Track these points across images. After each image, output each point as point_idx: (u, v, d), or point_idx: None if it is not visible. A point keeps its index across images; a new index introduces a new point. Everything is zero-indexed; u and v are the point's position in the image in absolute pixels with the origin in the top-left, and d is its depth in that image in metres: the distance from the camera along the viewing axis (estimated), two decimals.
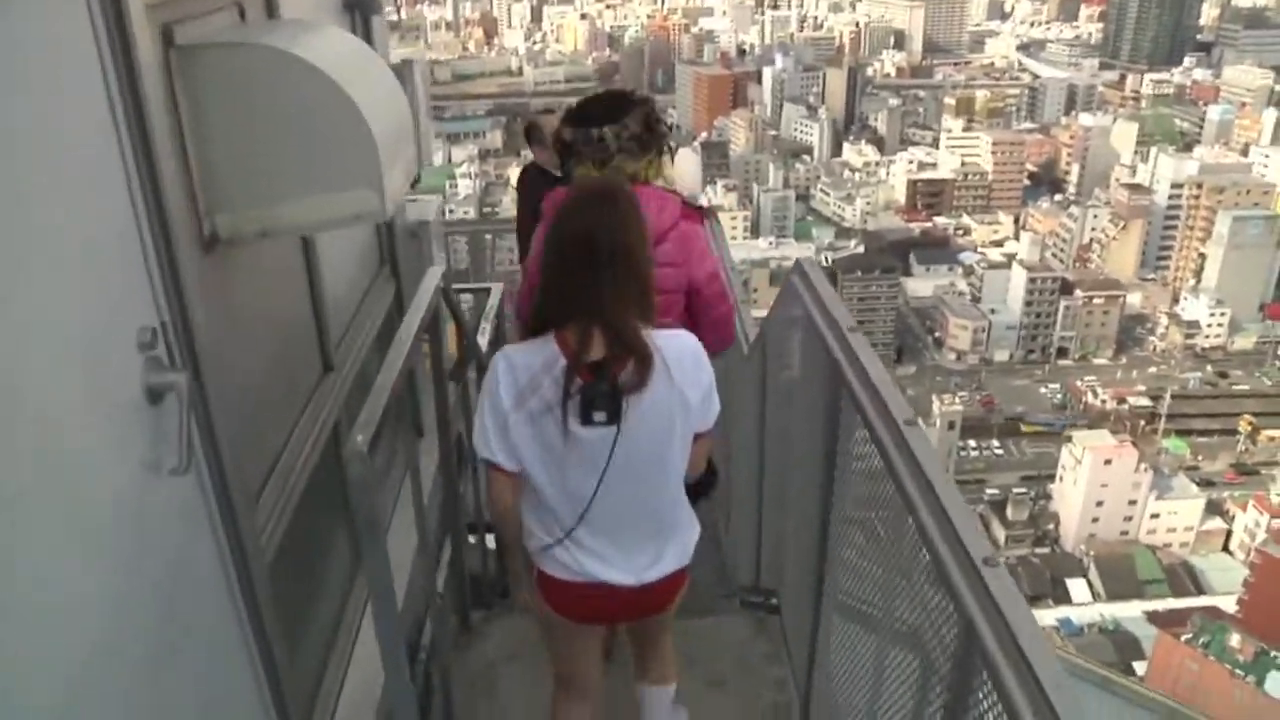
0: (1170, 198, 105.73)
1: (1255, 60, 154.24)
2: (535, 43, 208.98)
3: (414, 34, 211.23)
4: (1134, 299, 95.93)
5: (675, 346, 2.45)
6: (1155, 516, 67.60)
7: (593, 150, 3.16)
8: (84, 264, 1.78)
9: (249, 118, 2.51)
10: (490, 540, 4.99)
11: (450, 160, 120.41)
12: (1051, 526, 70.27)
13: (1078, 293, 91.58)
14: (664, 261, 3.01)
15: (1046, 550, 68.65)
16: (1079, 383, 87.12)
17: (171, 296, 2.04)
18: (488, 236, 8.77)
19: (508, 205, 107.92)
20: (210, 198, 2.53)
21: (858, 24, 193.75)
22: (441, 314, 3.77)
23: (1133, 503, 67.32)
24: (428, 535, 3.83)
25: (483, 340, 4.65)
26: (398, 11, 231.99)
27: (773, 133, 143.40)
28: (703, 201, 4.99)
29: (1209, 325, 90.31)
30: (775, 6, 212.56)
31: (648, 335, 2.39)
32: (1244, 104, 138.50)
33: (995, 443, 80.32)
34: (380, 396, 2.63)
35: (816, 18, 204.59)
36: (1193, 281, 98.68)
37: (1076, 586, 62.84)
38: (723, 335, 3.33)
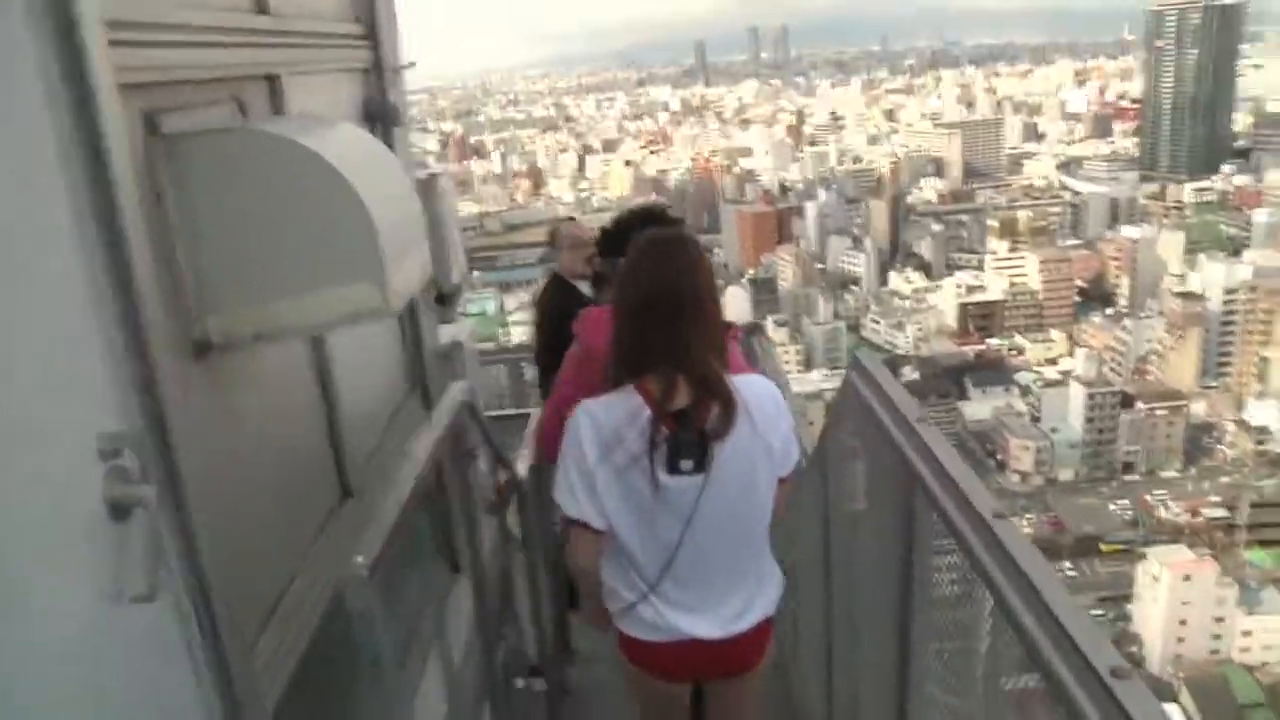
0: (1225, 303, 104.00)
1: None
2: (582, 190, 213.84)
3: (461, 188, 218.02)
4: (1198, 408, 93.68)
5: (755, 391, 2.44)
6: (1247, 634, 64.11)
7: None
8: (43, 367, 1.64)
9: (242, 210, 2.32)
10: (538, 684, 4.62)
11: (503, 309, 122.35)
12: (1135, 649, 67.04)
13: (1139, 405, 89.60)
14: None
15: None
16: (1149, 497, 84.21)
17: (145, 403, 1.86)
18: (524, 365, 8.45)
19: None
20: (201, 298, 2.32)
21: (896, 155, 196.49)
22: (468, 437, 3.51)
23: (1220, 619, 64.09)
24: (459, 687, 3.46)
25: (521, 467, 4.36)
26: (446, 167, 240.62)
27: (820, 266, 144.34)
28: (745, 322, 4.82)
29: (1279, 429, 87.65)
30: (813, 143, 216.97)
31: (728, 380, 2.39)
32: None
33: (1068, 564, 77.36)
34: (388, 515, 2.37)
35: (854, 152, 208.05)
36: (1257, 386, 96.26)
37: (1172, 713, 59.35)
38: None
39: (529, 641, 4.56)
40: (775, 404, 2.50)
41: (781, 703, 4.57)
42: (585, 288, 5.41)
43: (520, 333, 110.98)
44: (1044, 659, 1.58)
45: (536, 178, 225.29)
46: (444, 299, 4.52)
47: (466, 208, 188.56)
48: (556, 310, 5.44)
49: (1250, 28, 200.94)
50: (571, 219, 6.10)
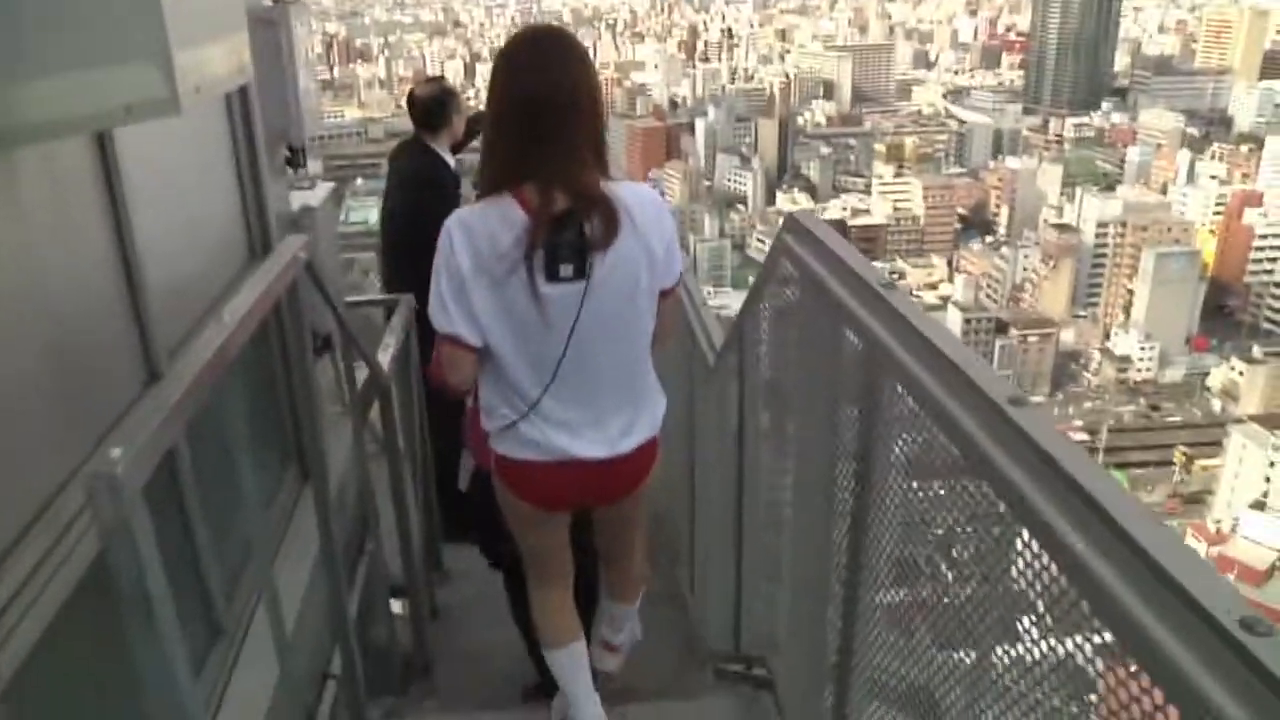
0: (1097, 237, 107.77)
1: (1166, 104, 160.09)
2: (469, 98, 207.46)
3: (346, 92, 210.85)
4: (1067, 336, 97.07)
5: (636, 196, 2.32)
6: None
7: None
8: None
9: None
10: (401, 606, 4.08)
11: None
12: None
13: (1013, 331, 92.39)
14: None
15: None
16: None
17: None
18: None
19: None
20: None
21: (787, 75, 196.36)
22: (318, 318, 2.87)
23: None
24: (310, 609, 2.89)
25: (385, 358, 3.74)
26: (330, 70, 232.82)
27: (707, 183, 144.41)
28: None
29: (1140, 359, 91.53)
30: (706, 60, 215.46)
31: (606, 187, 2.27)
32: (1160, 145, 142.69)
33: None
34: (171, 388, 1.69)
35: (747, 70, 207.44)
36: (1122, 317, 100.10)
37: None
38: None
39: (393, 560, 3.99)
40: (657, 208, 2.37)
41: (683, 641, 4.13)
42: (448, 157, 5.12)
43: None
44: (1120, 606, 1.02)
45: (420, 81, 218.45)
46: (293, 158, 3.84)
47: (351, 113, 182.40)
48: (421, 176, 5.04)
49: None
50: (437, 79, 5.59)
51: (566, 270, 2.20)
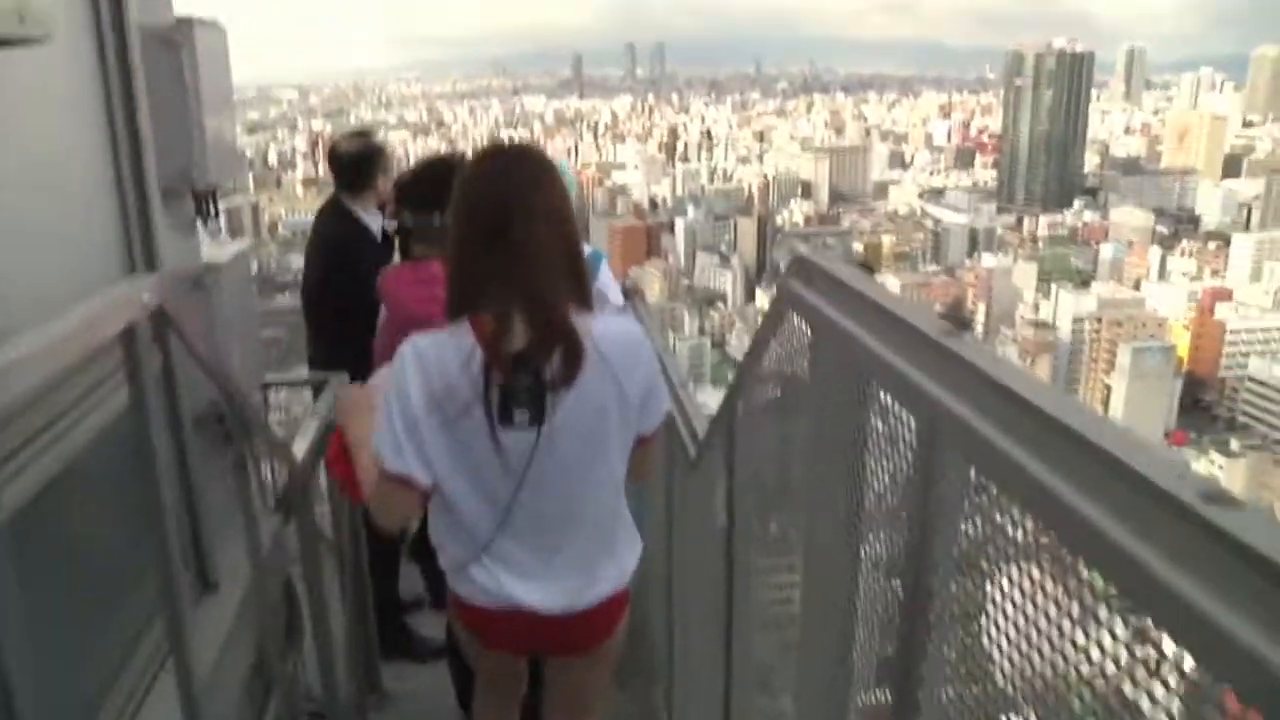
0: (1073, 332, 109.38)
1: (1136, 202, 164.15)
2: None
3: (329, 188, 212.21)
4: None
5: (612, 333, 2.13)
6: None
7: (432, 234, 3.04)
8: None
9: None
10: None
11: None
12: None
13: None
14: None
15: None
16: None
17: None
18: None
19: None
20: None
21: (766, 175, 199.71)
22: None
23: None
24: None
25: (302, 445, 3.20)
26: (315, 167, 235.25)
27: (686, 281, 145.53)
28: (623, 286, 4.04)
29: None
30: (685, 160, 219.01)
31: (579, 320, 2.08)
32: (1131, 242, 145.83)
33: None
34: None
35: (726, 170, 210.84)
36: (1101, 411, 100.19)
37: None
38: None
39: (315, 682, 3.39)
40: (635, 346, 2.15)
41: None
42: (374, 224, 4.67)
43: None
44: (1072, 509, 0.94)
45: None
46: (202, 205, 3.31)
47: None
48: (338, 242, 4.62)
49: (1097, 76, 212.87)
50: (364, 133, 4.97)
51: (521, 416, 2.04)
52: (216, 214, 3.41)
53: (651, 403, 2.19)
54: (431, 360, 2.04)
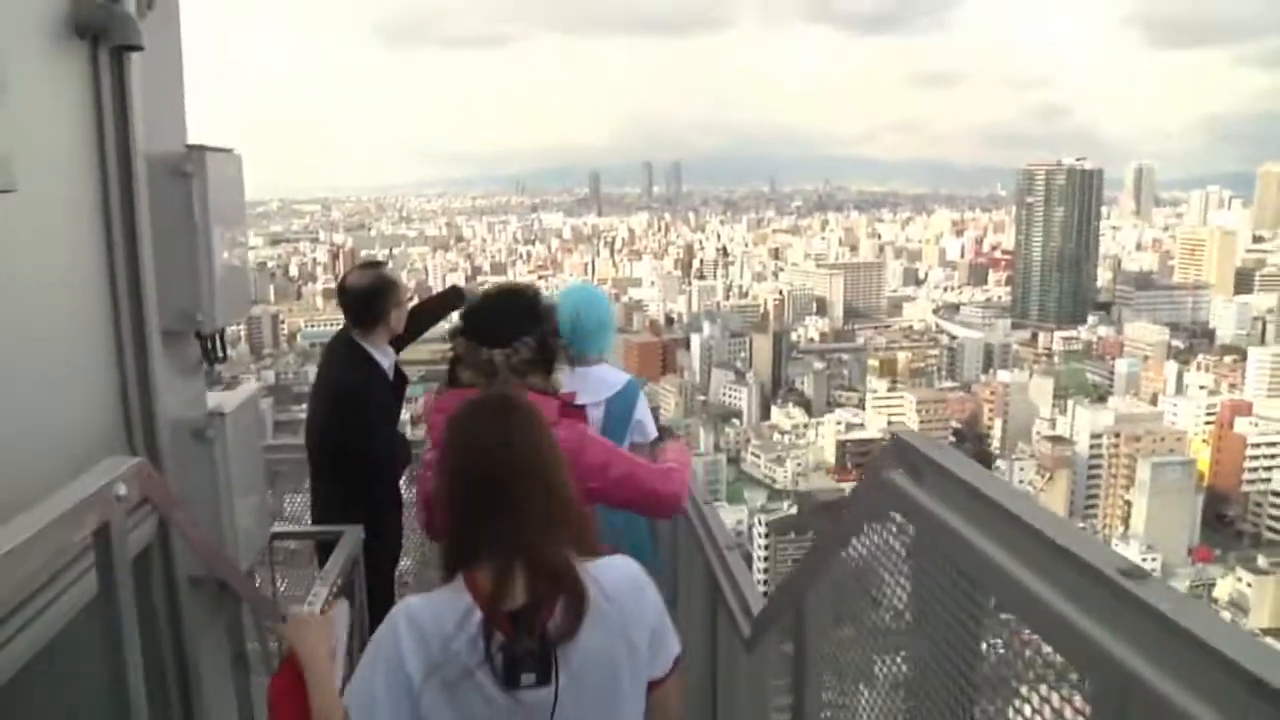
0: (1091, 448, 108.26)
1: (1150, 317, 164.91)
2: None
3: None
4: None
5: (611, 577, 2.04)
6: None
7: (481, 367, 3.00)
8: None
9: None
10: None
11: None
12: None
13: None
14: None
15: None
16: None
17: None
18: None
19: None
20: None
21: (781, 292, 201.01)
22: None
23: None
24: None
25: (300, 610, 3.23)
26: (335, 279, 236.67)
27: (702, 397, 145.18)
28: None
29: None
30: (701, 277, 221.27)
31: (580, 567, 2.01)
32: (1147, 357, 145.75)
33: None
34: None
35: (741, 286, 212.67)
36: (1122, 529, 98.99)
37: None
38: (650, 495, 2.98)
39: None
40: (636, 590, 2.06)
41: None
42: (385, 361, 4.56)
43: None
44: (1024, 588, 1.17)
45: (425, 295, 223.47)
46: (207, 347, 3.22)
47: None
48: (346, 385, 4.46)
49: (1106, 193, 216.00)
50: (376, 264, 4.84)
51: (528, 678, 1.92)
52: (224, 357, 3.29)
53: (660, 646, 2.11)
54: (428, 623, 1.97)
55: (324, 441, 4.51)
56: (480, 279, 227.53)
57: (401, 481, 4.93)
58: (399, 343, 4.78)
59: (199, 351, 3.25)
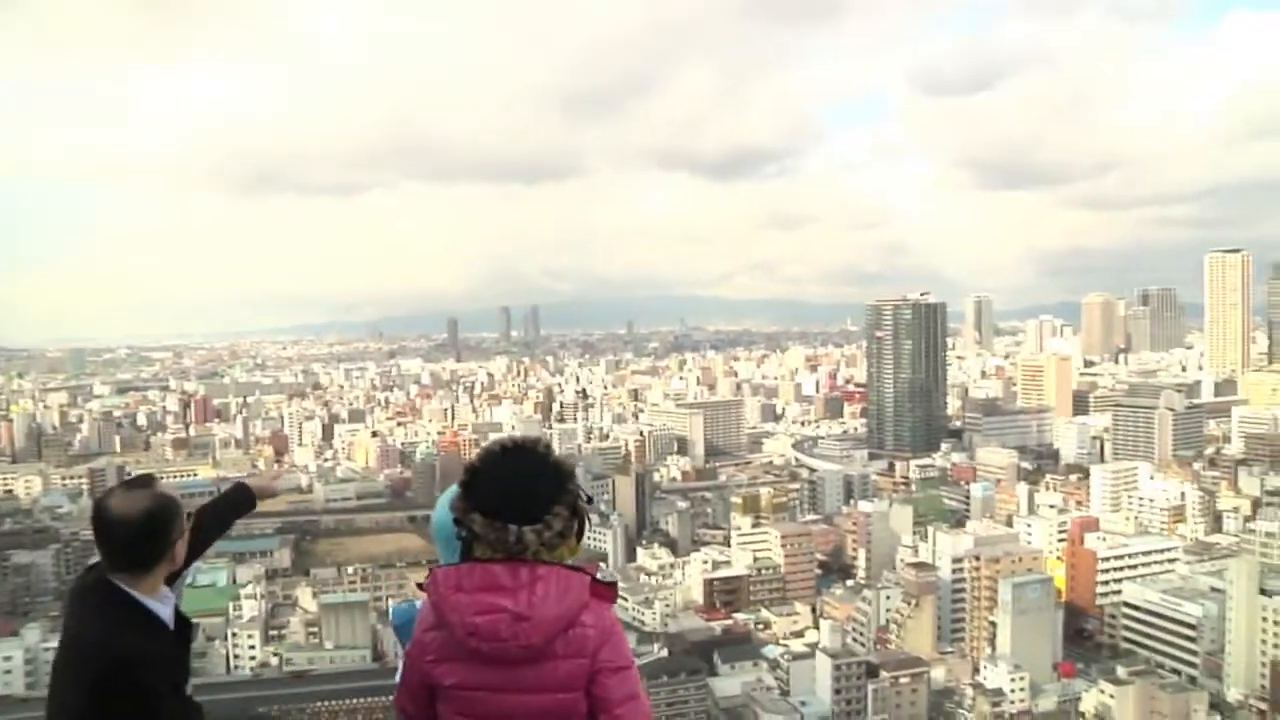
0: (954, 572, 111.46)
1: (999, 441, 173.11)
2: (326, 459, 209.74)
3: (202, 451, 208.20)
4: (938, 673, 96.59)
5: None
6: None
7: (509, 548, 2.84)
8: None
9: None
10: None
11: (235, 581, 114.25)
12: None
13: (884, 674, 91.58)
14: (567, 654, 2.81)
15: None
16: None
17: None
18: None
19: (294, 625, 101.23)
20: None
21: (641, 433, 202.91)
22: None
23: None
24: None
25: None
26: (186, 429, 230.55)
27: None
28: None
29: (1012, 691, 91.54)
30: (562, 420, 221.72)
31: None
32: (999, 480, 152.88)
33: None
34: None
35: (602, 429, 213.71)
36: (989, 649, 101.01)
37: None
38: None
39: None
40: None
41: None
42: (164, 610, 3.54)
43: (251, 607, 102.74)
44: None
45: (280, 444, 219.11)
46: None
47: (205, 472, 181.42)
48: (125, 660, 3.30)
49: (950, 325, 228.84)
50: (146, 483, 3.61)
51: None
52: None
53: None
54: None
55: None
56: (344, 428, 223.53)
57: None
58: (173, 578, 3.70)
59: None
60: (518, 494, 2.83)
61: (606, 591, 2.95)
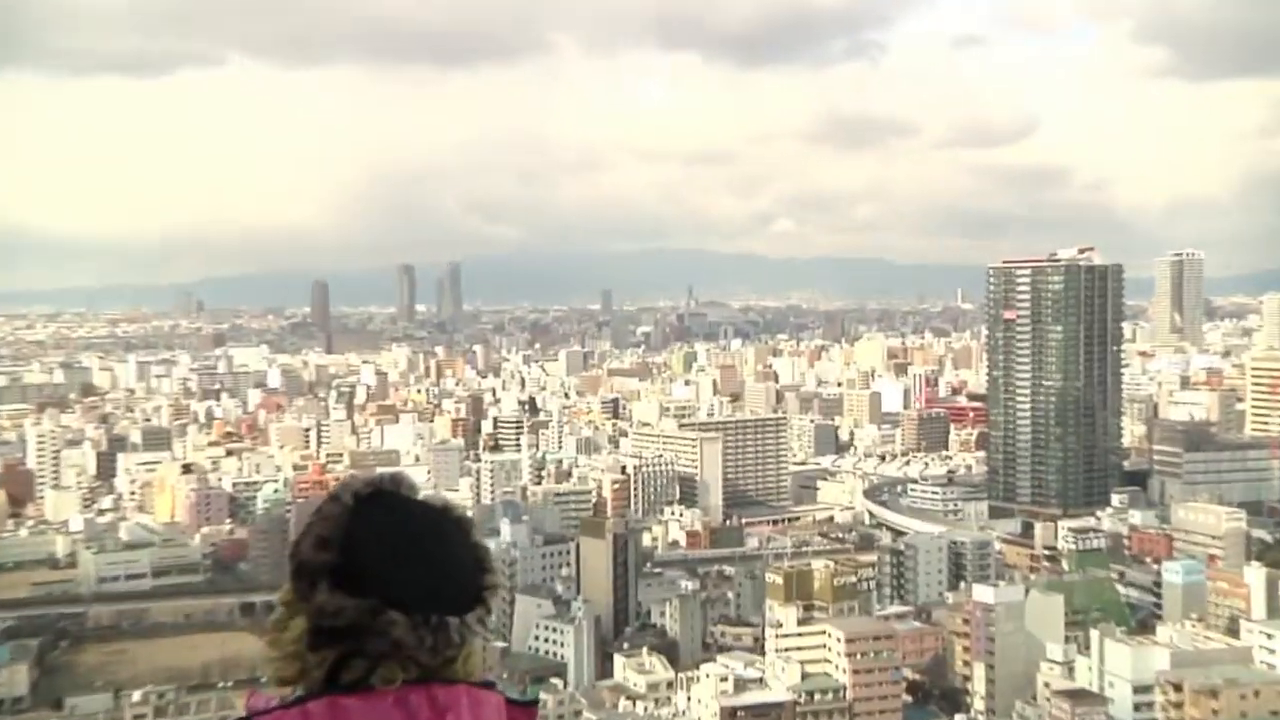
0: (1137, 709, 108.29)
1: (1212, 494, 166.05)
2: (102, 511, 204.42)
3: None
4: None
5: None
6: None
7: (431, 662, 2.90)
8: None
9: None
10: None
11: None
12: None
13: None
14: None
15: None
16: None
17: None
18: None
19: None
20: None
21: (624, 469, 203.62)
22: None
23: None
24: None
25: None
26: None
27: (500, 645, 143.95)
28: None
29: None
30: (496, 447, 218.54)
31: None
32: (1213, 557, 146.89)
33: None
34: None
35: (561, 461, 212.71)
36: None
37: None
38: None
39: None
40: None
41: None
42: None
43: None
44: None
45: (21, 488, 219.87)
46: None
47: None
48: None
49: (1129, 300, 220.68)
50: None
51: None
52: None
53: None
54: None
55: None
56: (133, 459, 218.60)
57: None
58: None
59: None
60: (441, 574, 2.78)
61: (522, 712, 3.14)
